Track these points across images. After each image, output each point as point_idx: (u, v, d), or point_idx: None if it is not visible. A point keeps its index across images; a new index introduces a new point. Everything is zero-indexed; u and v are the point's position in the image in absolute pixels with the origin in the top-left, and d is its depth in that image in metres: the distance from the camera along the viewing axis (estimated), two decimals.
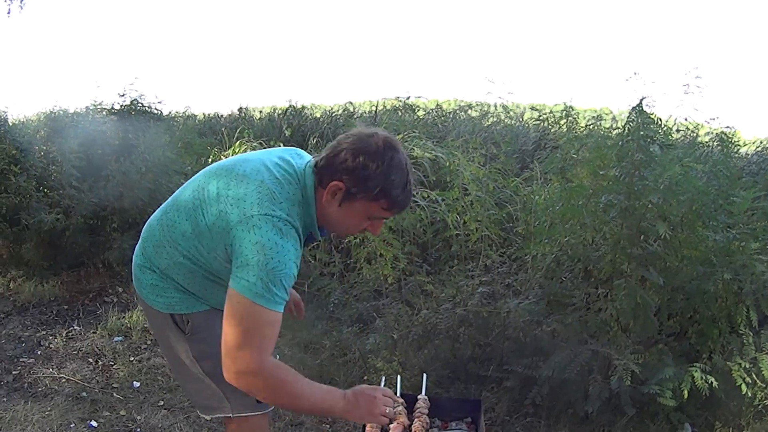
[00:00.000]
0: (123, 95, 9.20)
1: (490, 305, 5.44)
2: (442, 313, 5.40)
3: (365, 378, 5.28)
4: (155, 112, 9.46)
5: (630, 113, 4.85)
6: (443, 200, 6.82)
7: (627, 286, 4.57)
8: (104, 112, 9.09)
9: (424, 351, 5.38)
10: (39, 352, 6.02)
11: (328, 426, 4.92)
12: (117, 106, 9.21)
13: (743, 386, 4.26)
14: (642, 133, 4.65)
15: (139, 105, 9.20)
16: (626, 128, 4.84)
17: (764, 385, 4.37)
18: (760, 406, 4.49)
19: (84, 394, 5.18)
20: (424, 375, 3.86)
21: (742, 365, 4.33)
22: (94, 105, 9.31)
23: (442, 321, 5.36)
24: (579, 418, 4.59)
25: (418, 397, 3.70)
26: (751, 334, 4.48)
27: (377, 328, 5.76)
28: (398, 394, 3.81)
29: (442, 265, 6.54)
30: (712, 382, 4.18)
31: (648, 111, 4.70)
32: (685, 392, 4.18)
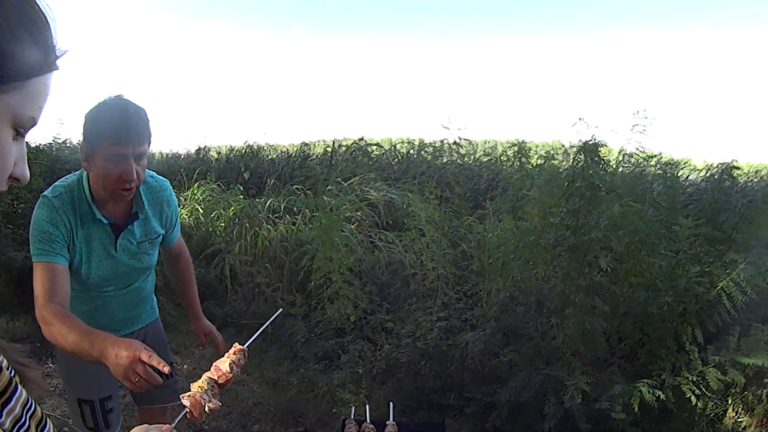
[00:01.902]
0: None
1: (448, 339, 5.71)
2: (404, 347, 5.65)
3: (334, 411, 5.51)
4: None
5: (575, 157, 5.24)
6: (400, 241, 7.10)
7: (576, 315, 4.93)
8: (67, 151, 9.00)
9: (388, 384, 5.63)
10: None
11: None
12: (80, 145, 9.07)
13: (693, 398, 4.67)
14: (590, 173, 5.03)
15: None
16: (573, 171, 5.23)
17: (714, 396, 4.78)
18: (711, 415, 4.92)
19: (66, 429, 5.29)
20: (391, 403, 4.13)
21: (690, 379, 4.73)
22: (58, 142, 9.21)
23: (403, 355, 5.61)
24: None
25: (387, 423, 3.97)
26: (697, 350, 4.89)
27: (342, 364, 5.99)
28: (368, 421, 4.09)
29: (402, 303, 6.75)
30: (659, 396, 4.54)
31: (593, 153, 5.09)
32: (635, 406, 4.53)
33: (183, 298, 3.72)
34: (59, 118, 9.45)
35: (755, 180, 10.62)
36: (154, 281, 3.46)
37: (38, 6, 0.96)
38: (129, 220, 2.97)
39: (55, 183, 2.92)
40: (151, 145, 2.79)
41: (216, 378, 2.48)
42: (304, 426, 5.46)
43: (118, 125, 2.62)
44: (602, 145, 5.19)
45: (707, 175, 9.95)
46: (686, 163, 11.60)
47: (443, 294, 6.41)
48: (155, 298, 3.58)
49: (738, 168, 7.50)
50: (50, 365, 6.68)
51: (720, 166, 7.96)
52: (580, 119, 5.35)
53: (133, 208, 2.99)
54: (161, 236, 3.20)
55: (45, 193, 2.83)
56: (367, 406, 4.29)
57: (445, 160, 11.85)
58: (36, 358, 6.84)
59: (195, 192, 10.65)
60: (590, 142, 5.12)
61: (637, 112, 5.68)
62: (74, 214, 2.84)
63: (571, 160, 5.68)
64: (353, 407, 4.72)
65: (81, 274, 2.92)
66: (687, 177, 9.68)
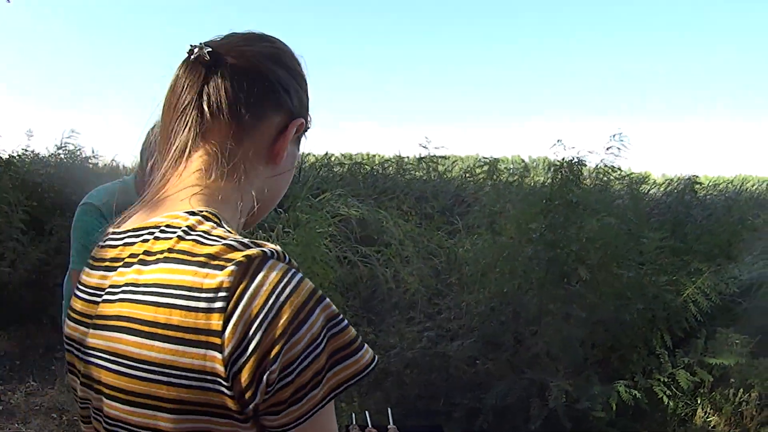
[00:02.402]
0: (60, 147, 9.16)
1: (431, 349, 5.94)
2: (393, 357, 5.87)
3: None
4: (90, 165, 9.45)
5: (553, 176, 5.57)
6: (379, 255, 7.31)
7: (554, 323, 5.25)
8: (40, 164, 8.93)
9: (376, 393, 5.83)
10: (0, 408, 6.01)
11: None
12: (53, 159, 9.15)
13: (665, 398, 5.04)
14: (565, 191, 5.37)
15: (78, 158, 9.18)
16: (550, 189, 5.55)
17: (684, 396, 5.14)
18: (682, 415, 5.31)
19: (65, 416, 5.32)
20: (389, 409, 4.37)
21: (662, 380, 5.11)
22: (28, 154, 9.10)
23: (392, 365, 5.83)
24: None
25: (388, 427, 4.21)
26: (667, 353, 5.26)
27: None
28: (370, 425, 4.33)
29: (384, 315, 6.93)
30: (635, 395, 4.90)
31: (571, 171, 5.43)
32: (613, 405, 4.88)
33: None
34: (29, 130, 9.25)
35: (713, 193, 10.99)
36: None
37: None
38: None
39: (97, 188, 3.08)
40: None
41: None
42: None
43: None
44: (581, 165, 5.52)
45: (668, 189, 10.28)
46: (647, 177, 12.00)
47: (426, 306, 6.62)
48: None
49: (699, 183, 7.87)
50: (32, 383, 6.63)
51: (681, 180, 8.32)
52: (558, 141, 5.67)
53: None
54: None
55: (87, 200, 2.99)
56: (367, 413, 4.53)
57: (415, 175, 11.99)
58: (17, 376, 6.81)
59: None
60: (569, 161, 5.46)
61: (614, 135, 5.98)
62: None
63: (549, 178, 5.97)
64: (353, 414, 4.94)
65: None
66: (648, 191, 10.00)
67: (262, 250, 1.02)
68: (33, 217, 7.81)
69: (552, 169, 5.80)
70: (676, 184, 9.77)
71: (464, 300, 6.35)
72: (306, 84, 1.33)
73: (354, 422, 4.51)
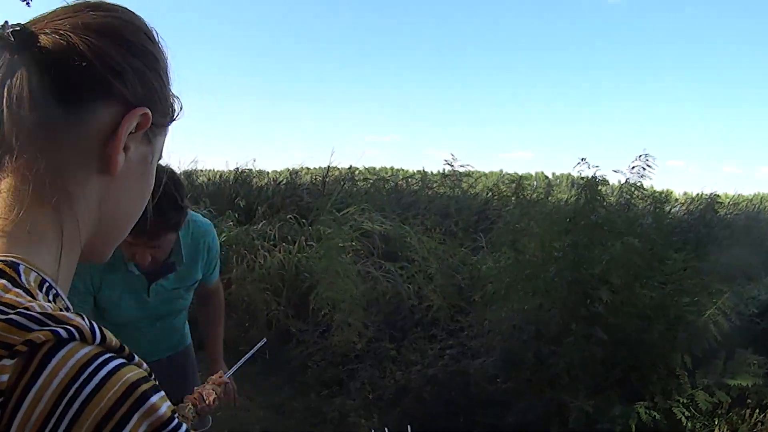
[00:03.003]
0: None
1: (453, 366, 5.97)
2: (413, 374, 5.91)
3: None
4: None
5: (578, 194, 5.59)
6: (399, 272, 7.35)
7: (576, 343, 5.27)
8: None
9: (396, 410, 5.86)
10: None
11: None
12: None
13: (683, 419, 5.02)
14: (588, 208, 5.40)
15: None
16: (575, 208, 5.58)
17: (702, 417, 5.13)
18: None
19: None
20: (409, 426, 4.42)
21: (681, 401, 5.10)
22: None
23: (412, 381, 5.87)
24: None
25: None
26: (687, 374, 5.24)
27: (350, 390, 6.23)
28: None
29: (406, 332, 7.00)
30: (655, 416, 4.89)
31: (594, 191, 5.46)
32: (632, 426, 4.86)
33: (206, 337, 3.55)
34: None
35: (733, 213, 10.98)
36: (186, 316, 3.39)
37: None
38: (164, 270, 2.81)
39: None
40: (173, 231, 2.63)
41: (197, 404, 2.61)
42: None
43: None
44: (605, 183, 5.54)
45: (689, 207, 10.28)
46: (669, 194, 11.98)
47: (448, 323, 6.65)
48: (187, 325, 3.48)
49: (720, 202, 7.88)
50: None
51: (702, 198, 8.33)
52: (582, 159, 5.69)
53: (170, 256, 2.81)
54: (198, 281, 3.08)
55: None
56: (387, 429, 4.57)
57: (440, 192, 12.04)
58: None
59: None
60: (591, 181, 5.49)
61: (641, 155, 6.02)
62: (100, 276, 2.70)
63: (566, 192, 6.00)
64: (372, 430, 4.99)
65: (109, 314, 2.79)
66: (669, 210, 10.01)
67: (54, 331, 0.69)
68: None
69: (575, 187, 5.82)
70: (697, 203, 9.77)
71: (487, 318, 6.37)
72: (160, 63, 0.99)
73: None
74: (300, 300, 7.82)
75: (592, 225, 5.40)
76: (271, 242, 9.45)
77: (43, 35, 0.86)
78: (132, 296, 2.83)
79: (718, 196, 7.76)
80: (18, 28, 0.85)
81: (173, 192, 2.45)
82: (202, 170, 16.17)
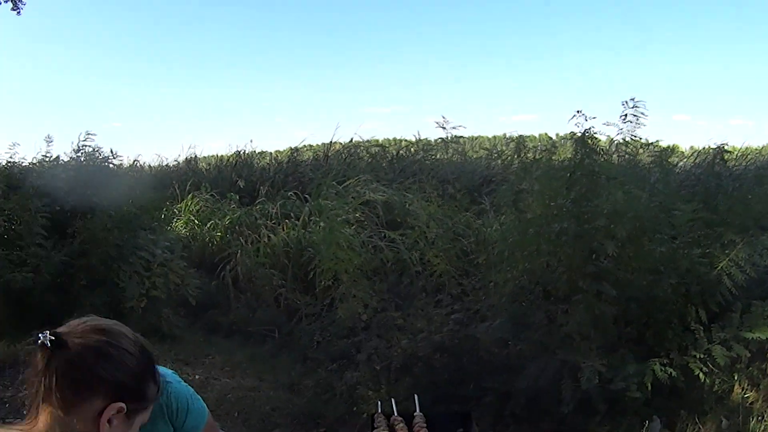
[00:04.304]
0: (79, 150, 8.89)
1: (461, 331, 5.84)
2: (420, 341, 5.78)
3: (354, 409, 5.59)
4: (113, 167, 9.23)
5: (574, 147, 5.42)
6: (402, 240, 7.25)
7: (585, 301, 5.11)
8: (60, 168, 8.85)
9: (405, 379, 5.74)
10: (25, 412, 5.87)
11: None
12: (73, 162, 8.94)
13: (701, 375, 4.90)
14: (587, 162, 5.22)
15: (97, 160, 8.91)
16: (573, 161, 5.41)
17: (720, 373, 4.99)
18: (719, 392, 5.15)
19: None
20: (416, 396, 4.28)
21: (698, 356, 4.96)
22: (47, 160, 9.06)
23: (420, 349, 5.74)
24: (556, 421, 5.04)
25: (414, 414, 4.13)
26: (702, 329, 5.09)
27: (358, 362, 6.11)
28: (396, 414, 4.24)
29: (411, 299, 6.88)
30: (671, 373, 4.75)
31: (591, 143, 5.28)
32: (648, 384, 4.74)
33: None
34: (48, 136, 9.12)
35: (743, 164, 10.80)
36: None
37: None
38: None
39: None
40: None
41: None
42: (324, 426, 5.53)
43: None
44: (598, 136, 5.37)
45: (696, 160, 10.11)
46: (675, 149, 11.83)
47: (452, 287, 6.55)
48: None
49: (729, 152, 7.67)
50: None
51: (710, 151, 8.13)
52: (578, 112, 5.48)
53: None
54: None
55: None
56: (393, 400, 4.43)
57: (439, 157, 11.94)
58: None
59: (189, 203, 10.73)
60: (587, 133, 5.31)
61: (627, 101, 5.78)
62: None
63: (570, 152, 5.82)
64: (379, 402, 4.86)
65: None
66: (677, 164, 9.83)
67: None
68: (55, 221, 7.75)
69: (573, 142, 5.62)
70: (705, 155, 9.60)
71: (492, 280, 6.25)
72: (139, 365, 1.64)
73: (380, 410, 4.42)
74: (306, 275, 7.75)
75: (590, 175, 5.22)
76: (274, 220, 9.37)
77: (63, 348, 1.51)
78: None
79: (726, 145, 7.54)
80: (53, 338, 1.51)
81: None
82: (203, 157, 16.15)
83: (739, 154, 11.70)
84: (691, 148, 13.27)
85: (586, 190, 5.25)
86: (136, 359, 1.64)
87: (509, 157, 10.51)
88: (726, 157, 7.44)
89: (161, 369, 2.93)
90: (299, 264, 8.05)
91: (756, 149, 13.90)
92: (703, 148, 10.51)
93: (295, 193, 10.26)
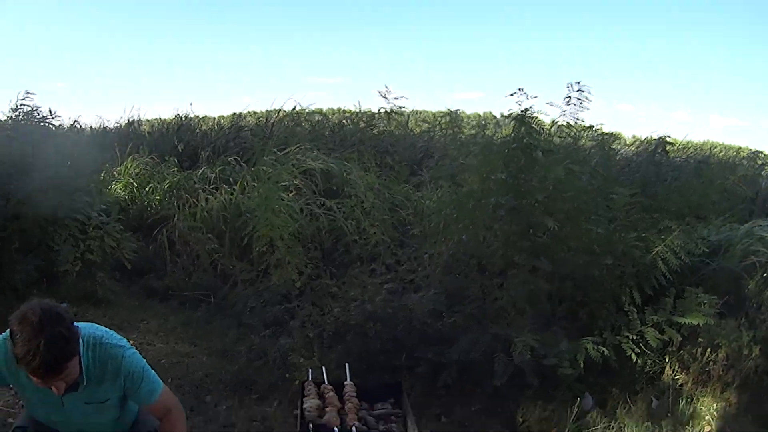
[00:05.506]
0: (16, 110, 8.41)
1: (394, 301, 5.84)
2: (353, 310, 5.76)
3: (287, 375, 5.54)
4: (51, 127, 8.71)
5: (514, 124, 5.42)
6: (339, 208, 7.22)
7: (520, 275, 5.15)
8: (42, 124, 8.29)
9: (338, 347, 5.73)
10: None
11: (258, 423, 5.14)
12: (10, 122, 8.40)
13: (633, 356, 5.05)
14: (525, 140, 5.23)
15: (35, 120, 8.41)
16: (512, 136, 5.41)
17: (653, 354, 5.12)
18: (651, 372, 5.33)
19: (11, 420, 4.96)
20: (347, 364, 4.25)
21: (630, 337, 5.09)
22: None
23: (352, 317, 5.72)
24: (489, 394, 5.09)
25: (345, 383, 4.11)
26: (636, 311, 5.21)
27: (291, 329, 6.07)
28: (326, 383, 4.21)
29: (346, 268, 6.88)
30: (604, 352, 4.86)
31: (530, 120, 5.30)
32: (581, 362, 4.82)
33: None
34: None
35: (683, 156, 11.04)
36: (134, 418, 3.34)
37: None
38: (69, 387, 2.77)
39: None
40: (72, 358, 2.67)
41: None
42: (257, 393, 5.47)
43: (30, 364, 2.52)
44: (537, 115, 5.40)
45: (639, 149, 10.27)
46: (618, 136, 11.99)
47: (387, 257, 6.55)
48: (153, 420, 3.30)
49: (671, 143, 7.79)
50: None
51: (652, 141, 8.25)
52: (519, 89, 5.47)
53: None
54: (118, 398, 3.04)
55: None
56: (324, 369, 4.41)
57: (381, 129, 11.92)
58: None
59: (129, 166, 10.52)
60: (527, 111, 5.33)
61: (571, 84, 5.79)
62: (8, 370, 2.84)
63: (510, 128, 5.82)
64: (310, 369, 4.82)
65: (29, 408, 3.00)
66: (618, 151, 9.97)
67: None
68: None
69: (513, 119, 5.60)
70: (647, 144, 9.75)
71: (426, 251, 6.25)
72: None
73: (310, 378, 4.38)
74: (242, 241, 7.65)
75: (527, 148, 5.24)
76: (213, 185, 9.25)
77: None
78: (49, 403, 2.92)
79: (669, 136, 7.67)
80: None
81: (56, 329, 2.56)
82: (146, 120, 15.83)
83: (680, 147, 11.94)
84: (634, 136, 13.53)
85: (524, 164, 5.26)
86: None
87: (449, 132, 10.59)
88: (668, 148, 7.57)
89: (119, 336, 3.01)
90: (236, 229, 7.96)
91: (697, 144, 14.20)
92: (646, 138, 10.72)
93: (235, 158, 10.13)
